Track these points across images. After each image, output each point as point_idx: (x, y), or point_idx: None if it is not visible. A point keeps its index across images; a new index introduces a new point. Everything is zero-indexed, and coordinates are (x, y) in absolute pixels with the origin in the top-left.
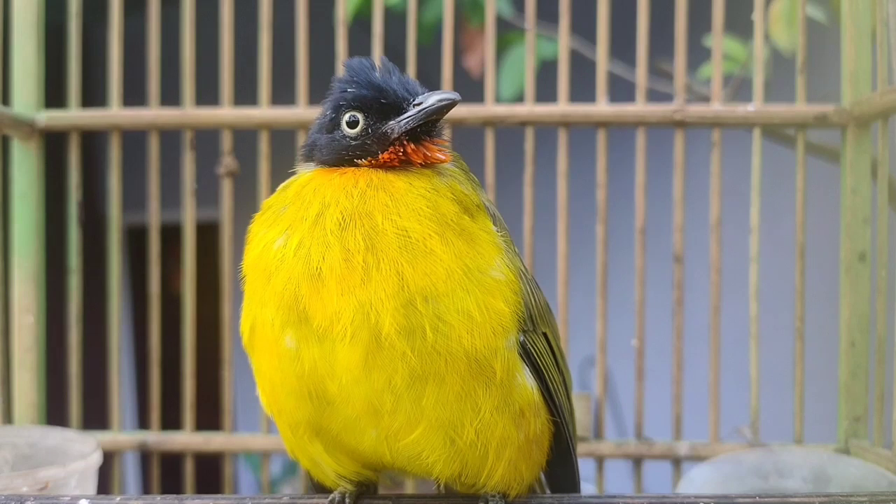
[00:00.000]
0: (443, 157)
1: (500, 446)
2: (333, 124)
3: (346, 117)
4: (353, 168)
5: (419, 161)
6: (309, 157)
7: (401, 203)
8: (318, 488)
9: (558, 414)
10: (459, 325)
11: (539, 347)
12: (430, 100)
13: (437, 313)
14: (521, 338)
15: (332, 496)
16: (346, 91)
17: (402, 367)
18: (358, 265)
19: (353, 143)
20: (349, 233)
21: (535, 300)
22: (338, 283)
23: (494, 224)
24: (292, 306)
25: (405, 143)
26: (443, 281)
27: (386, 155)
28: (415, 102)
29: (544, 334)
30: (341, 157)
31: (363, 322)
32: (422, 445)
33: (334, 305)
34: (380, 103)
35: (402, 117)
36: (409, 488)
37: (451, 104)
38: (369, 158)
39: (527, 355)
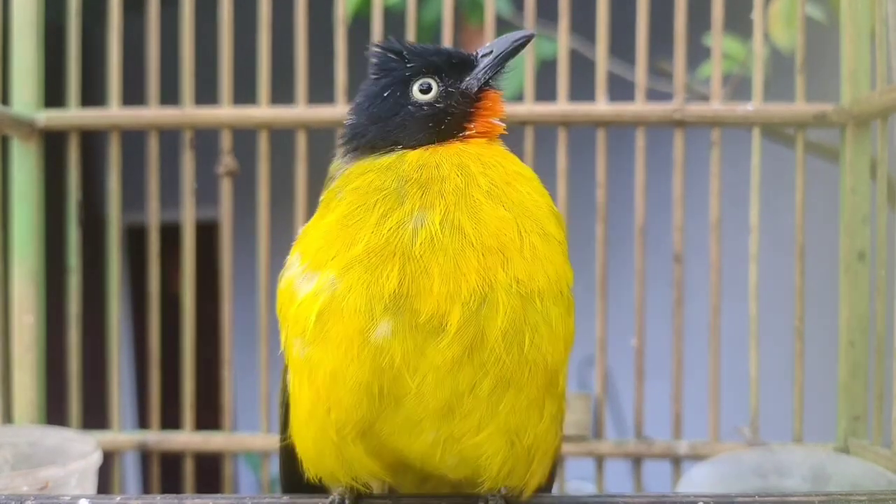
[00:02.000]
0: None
1: (544, 453)
2: (400, 101)
3: (418, 86)
4: (457, 142)
5: (498, 117)
6: (372, 146)
7: (526, 187)
8: (294, 488)
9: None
10: (548, 338)
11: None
12: (502, 44)
13: (544, 317)
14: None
15: (331, 497)
16: (407, 63)
17: (493, 372)
18: (509, 242)
19: (438, 106)
20: (488, 218)
21: None
22: (473, 264)
23: None
24: (399, 295)
25: (488, 93)
26: (546, 286)
27: (478, 121)
28: (482, 54)
29: None
30: (431, 128)
31: (472, 318)
32: (483, 448)
33: (452, 292)
34: (450, 64)
35: (476, 70)
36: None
37: (528, 40)
38: (463, 125)
39: None
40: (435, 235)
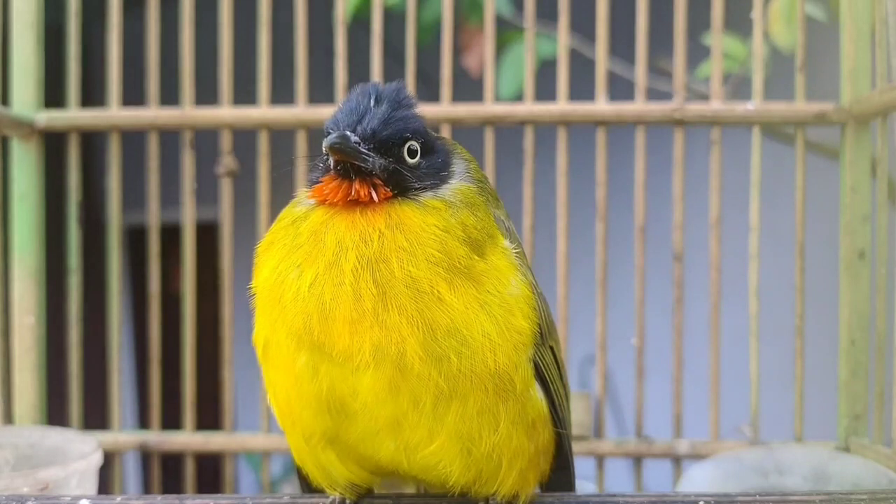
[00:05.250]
0: (374, 197)
1: (513, 457)
2: None
3: None
4: (367, 205)
5: (339, 198)
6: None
7: (416, 247)
8: (310, 489)
9: (561, 425)
10: (483, 348)
11: (546, 360)
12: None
13: (461, 340)
14: (532, 351)
15: (332, 497)
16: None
17: (430, 389)
18: (370, 310)
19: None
20: (364, 279)
21: (544, 314)
22: (351, 325)
23: (510, 240)
24: (304, 338)
25: (334, 176)
26: (461, 315)
27: (317, 189)
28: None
29: (550, 347)
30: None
31: (384, 356)
32: (439, 456)
33: (352, 341)
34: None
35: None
36: (409, 488)
37: (334, 146)
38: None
39: (536, 368)
40: (329, 303)
